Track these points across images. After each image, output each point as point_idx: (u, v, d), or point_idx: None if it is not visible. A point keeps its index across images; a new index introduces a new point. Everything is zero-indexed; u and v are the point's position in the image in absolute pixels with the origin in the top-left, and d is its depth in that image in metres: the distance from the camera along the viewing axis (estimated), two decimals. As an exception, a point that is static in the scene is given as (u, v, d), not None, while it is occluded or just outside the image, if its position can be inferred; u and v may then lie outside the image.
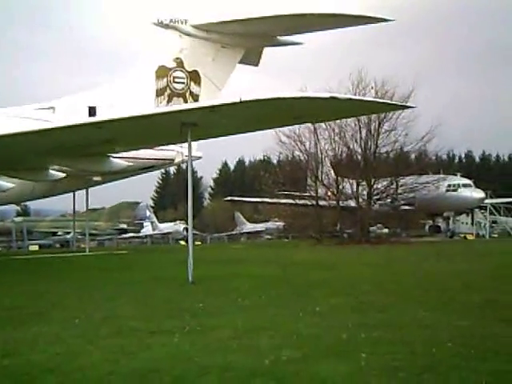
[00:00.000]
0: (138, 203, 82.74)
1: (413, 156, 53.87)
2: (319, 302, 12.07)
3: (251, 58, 33.65)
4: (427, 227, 66.09)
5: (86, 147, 24.13)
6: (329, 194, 51.45)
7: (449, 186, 53.35)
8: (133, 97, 29.91)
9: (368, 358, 7.22)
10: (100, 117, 26.17)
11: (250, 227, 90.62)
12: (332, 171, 52.78)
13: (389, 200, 50.61)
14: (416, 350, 7.61)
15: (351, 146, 50.17)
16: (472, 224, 60.72)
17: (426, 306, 11.35)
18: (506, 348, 7.74)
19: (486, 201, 56.80)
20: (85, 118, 27.00)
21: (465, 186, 53.78)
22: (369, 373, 6.58)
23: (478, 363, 6.96)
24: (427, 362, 7.01)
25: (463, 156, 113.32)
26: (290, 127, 45.62)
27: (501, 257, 25.50)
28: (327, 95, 16.49)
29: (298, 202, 52.41)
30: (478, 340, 8.21)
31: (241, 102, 15.98)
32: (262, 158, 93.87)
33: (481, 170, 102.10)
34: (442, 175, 52.97)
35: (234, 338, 8.54)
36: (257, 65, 34.24)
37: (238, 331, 9.06)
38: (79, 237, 57.10)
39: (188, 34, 31.30)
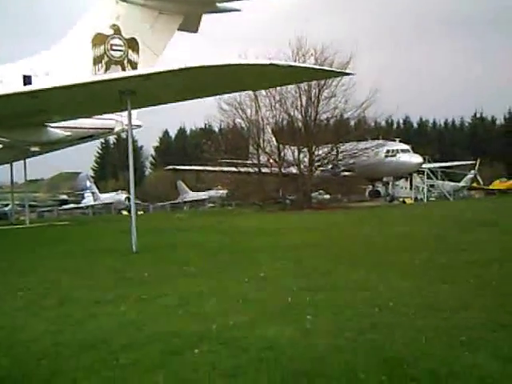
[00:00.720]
0: (78, 173, 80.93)
1: (352, 123, 54.48)
2: (264, 267, 12.22)
3: (190, 25, 33.11)
4: (367, 192, 67.33)
5: (22, 117, 23.47)
6: (271, 161, 51.64)
7: (387, 151, 54.19)
8: (69, 65, 29.03)
9: (313, 320, 7.39)
10: (35, 86, 25.36)
11: (192, 196, 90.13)
12: (274, 138, 52.94)
13: (330, 166, 51.18)
14: (359, 311, 7.83)
15: (292, 113, 50.31)
16: (410, 188, 62.13)
17: (367, 268, 11.65)
18: (444, 305, 8.04)
19: (424, 165, 58.00)
20: (19, 87, 26.14)
21: (403, 151, 54.71)
22: (315, 334, 6.74)
23: (419, 320, 7.23)
24: (371, 321, 7.23)
25: (401, 122, 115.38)
26: (230, 94, 45.33)
27: (440, 219, 26.24)
28: (267, 62, 16.50)
29: (240, 169, 52.39)
30: (418, 299, 8.51)
31: (181, 69, 15.80)
32: (203, 126, 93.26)
33: (418, 135, 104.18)
34: (380, 141, 53.70)
35: (181, 305, 8.59)
36: (196, 31, 33.73)
37: (184, 298, 9.11)
38: (18, 209, 55.71)
39: (124, 1, 30.52)
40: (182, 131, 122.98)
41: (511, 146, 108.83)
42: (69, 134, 28.86)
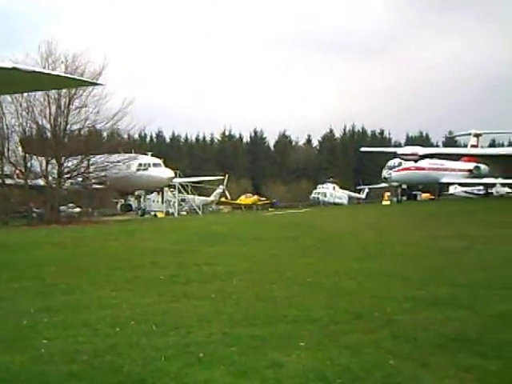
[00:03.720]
0: None
1: (105, 134, 53.51)
2: (1, 286, 11.32)
3: None
4: (119, 206, 66.63)
5: None
6: (17, 172, 48.54)
7: (139, 165, 54.08)
8: None
9: (49, 343, 6.97)
10: None
11: None
12: (20, 148, 49.85)
13: (80, 179, 49.65)
14: (98, 332, 7.58)
15: (40, 122, 47.88)
16: (162, 202, 62.89)
17: (113, 285, 11.39)
18: (183, 321, 8.11)
19: (175, 180, 59.13)
20: None
21: (155, 165, 55.03)
22: (49, 360, 6.34)
23: (160, 339, 7.18)
24: (111, 342, 7.03)
25: (154, 136, 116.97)
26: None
27: (189, 233, 26.77)
28: (9, 65, 15.43)
29: (-20, 181, 48.37)
30: (160, 316, 8.49)
31: None
32: None
33: (171, 149, 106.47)
34: (133, 154, 53.52)
35: None
36: None
37: None
38: None
39: None
40: None
41: (255, 163, 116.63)
42: None
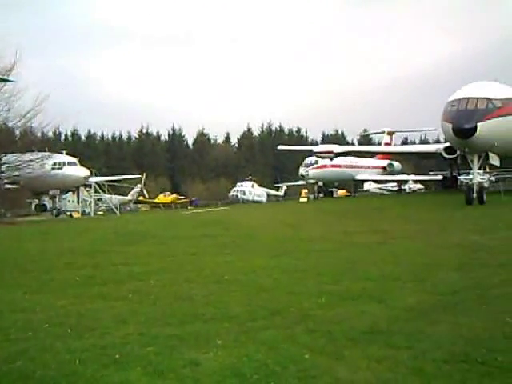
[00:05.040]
0: None
1: (17, 132, 51.76)
2: None
3: None
4: (33, 206, 64.61)
5: None
6: None
7: (54, 164, 52.66)
8: None
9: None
10: None
11: None
12: None
13: (-10, 179, 47.85)
14: (11, 338, 7.37)
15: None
16: (78, 202, 61.48)
17: (26, 288, 11.06)
18: (97, 323, 8.00)
19: (91, 179, 57.96)
20: None
21: (70, 164, 53.77)
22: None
23: (75, 341, 7.05)
24: (23, 347, 6.86)
25: (69, 134, 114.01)
26: None
27: (103, 232, 26.28)
28: None
29: None
30: (73, 319, 8.33)
31: None
32: None
33: (87, 148, 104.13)
34: (47, 153, 52.04)
35: None
36: None
37: None
38: None
39: None
40: None
41: (173, 161, 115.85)
42: None
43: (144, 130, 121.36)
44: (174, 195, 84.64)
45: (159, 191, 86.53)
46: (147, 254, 16.30)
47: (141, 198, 77.59)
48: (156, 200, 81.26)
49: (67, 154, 57.36)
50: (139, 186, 75.85)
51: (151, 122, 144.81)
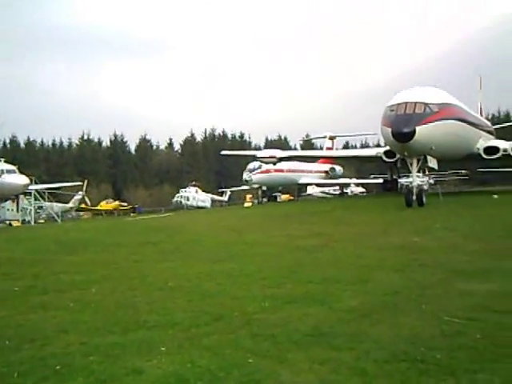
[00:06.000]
0: None
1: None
2: None
3: None
4: (-30, 215, 62.76)
5: None
6: None
7: (-9, 172, 51.49)
8: None
9: None
10: None
11: None
12: None
13: None
14: None
15: None
16: (18, 210, 60.00)
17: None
18: (38, 334, 7.83)
19: (31, 187, 56.75)
20: None
21: (9, 171, 52.64)
22: None
23: (13, 354, 6.88)
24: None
25: (8, 141, 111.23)
26: None
27: (39, 240, 25.75)
28: None
29: None
30: (11, 330, 8.13)
31: None
32: None
33: (26, 155, 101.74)
34: (-16, 162, 50.79)
35: None
36: None
37: None
38: None
39: None
40: None
41: (115, 167, 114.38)
42: None
43: (85, 137, 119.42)
44: (117, 202, 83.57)
45: (101, 198, 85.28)
46: (89, 262, 16.03)
47: (83, 206, 76.22)
48: (98, 207, 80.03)
49: (6, 161, 56.01)
50: (81, 193, 74.48)
51: (92, 128, 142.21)
